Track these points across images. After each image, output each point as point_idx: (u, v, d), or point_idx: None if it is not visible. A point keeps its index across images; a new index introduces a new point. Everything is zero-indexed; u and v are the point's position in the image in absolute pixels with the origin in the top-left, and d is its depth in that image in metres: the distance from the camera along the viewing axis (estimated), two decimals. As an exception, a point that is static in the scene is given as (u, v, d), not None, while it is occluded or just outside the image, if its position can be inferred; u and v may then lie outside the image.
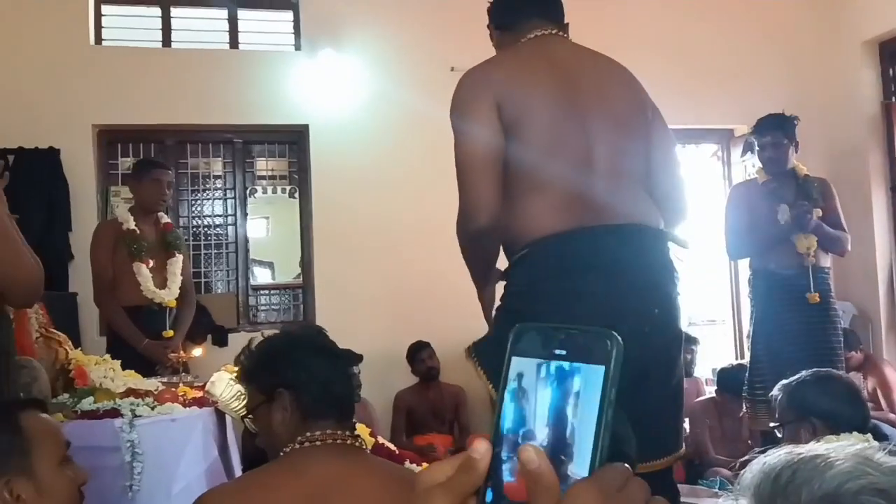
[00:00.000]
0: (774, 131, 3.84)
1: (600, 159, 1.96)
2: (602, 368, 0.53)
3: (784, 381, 2.27)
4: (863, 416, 2.00)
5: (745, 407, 4.05)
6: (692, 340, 5.22)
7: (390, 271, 5.21)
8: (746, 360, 5.13)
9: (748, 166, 5.51)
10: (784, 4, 5.67)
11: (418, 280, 5.12)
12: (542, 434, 0.54)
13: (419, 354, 5.05)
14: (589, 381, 0.53)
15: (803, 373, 2.22)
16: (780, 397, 2.22)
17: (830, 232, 3.79)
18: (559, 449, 0.53)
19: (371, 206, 5.21)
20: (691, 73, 5.51)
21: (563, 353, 0.54)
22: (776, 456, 0.57)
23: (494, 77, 2.00)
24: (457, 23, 5.37)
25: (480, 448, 0.52)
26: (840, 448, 0.56)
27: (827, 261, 3.86)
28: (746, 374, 4.06)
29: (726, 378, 4.82)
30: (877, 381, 4.87)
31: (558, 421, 0.53)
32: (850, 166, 4.97)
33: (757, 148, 3.95)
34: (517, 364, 0.56)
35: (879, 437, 4.77)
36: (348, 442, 1.60)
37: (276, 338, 1.70)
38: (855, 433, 1.91)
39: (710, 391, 5.20)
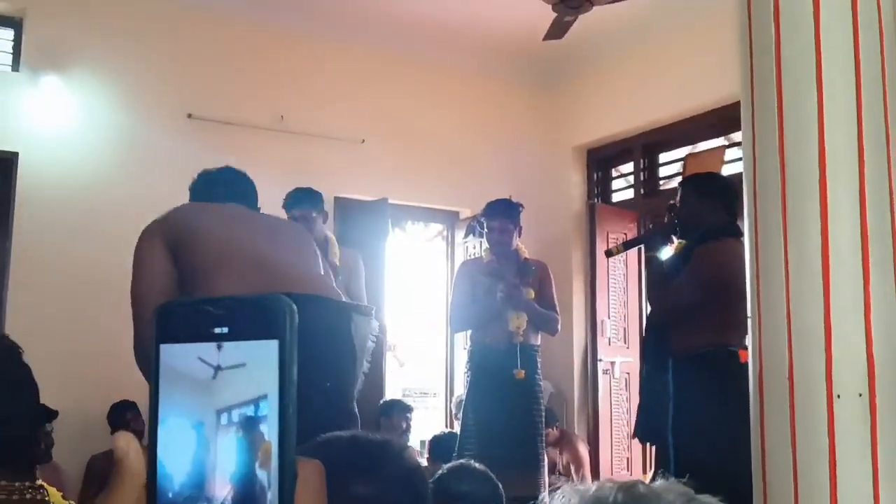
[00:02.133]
0: (502, 216, 4.14)
1: (275, 261, 2.25)
2: (275, 343, 0.45)
3: (430, 481, 2.44)
4: (497, 496, 2.23)
5: (453, 476, 4.19)
6: (407, 408, 5.34)
7: (94, 323, 4.76)
8: (457, 428, 5.36)
9: (469, 247, 5.88)
10: (508, 106, 6.22)
11: (126, 335, 4.71)
12: (222, 492, 0.45)
13: (124, 415, 4.64)
14: (265, 365, 0.45)
15: (442, 468, 2.44)
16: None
17: (541, 312, 4.11)
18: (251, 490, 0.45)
19: (79, 251, 4.75)
20: (425, 159, 5.82)
21: (225, 330, 0.46)
22: (596, 487, 0.58)
23: (165, 222, 2.30)
24: (196, 68, 5.23)
25: (121, 443, 0.46)
26: (661, 486, 0.58)
27: (537, 339, 4.18)
28: (456, 442, 4.22)
29: (438, 445, 4.97)
30: (570, 456, 5.29)
31: (244, 463, 0.45)
32: (556, 257, 5.47)
33: (485, 230, 4.23)
34: (168, 354, 0.47)
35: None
36: (27, 496, 1.24)
37: None
38: None
39: (421, 461, 5.32)
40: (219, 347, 0.46)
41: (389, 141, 5.74)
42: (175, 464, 0.46)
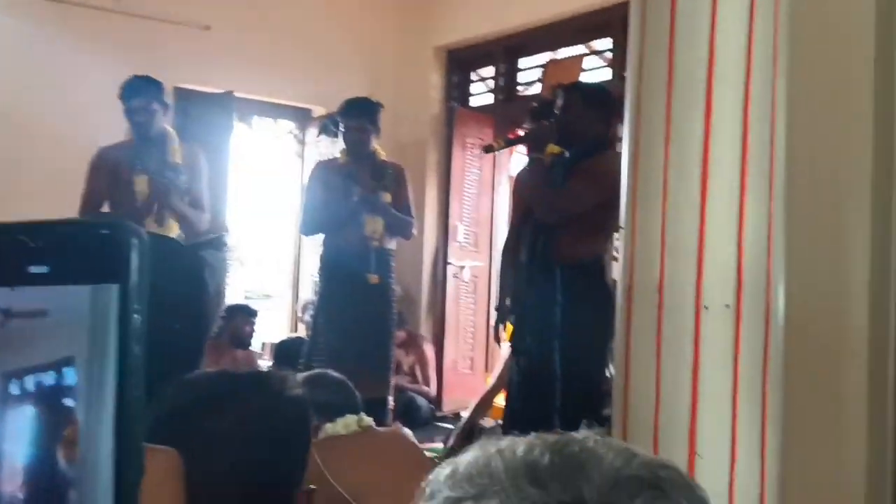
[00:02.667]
0: (361, 116, 3.97)
1: None
2: (115, 287, 0.33)
3: None
4: (354, 403, 2.24)
5: (300, 379, 4.12)
6: (252, 313, 5.21)
7: None
8: (302, 333, 5.27)
9: (321, 146, 5.66)
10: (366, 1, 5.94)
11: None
12: (10, 486, 0.33)
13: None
14: (74, 316, 0.33)
15: (299, 376, 2.41)
16: None
17: (397, 216, 4.03)
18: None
19: None
20: (276, 51, 5.48)
21: (45, 269, 0.34)
22: (523, 449, 0.47)
23: None
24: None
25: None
26: (597, 443, 0.49)
27: (392, 244, 4.11)
28: (306, 346, 4.14)
29: (285, 350, 4.88)
30: (416, 358, 5.37)
31: (40, 449, 0.33)
32: (411, 159, 5.35)
33: (342, 129, 4.04)
34: None
35: (413, 409, 5.27)
36: None
37: None
38: (348, 416, 2.12)
39: (264, 364, 5.22)
40: (12, 287, 0.34)
41: (237, 29, 5.35)
42: None
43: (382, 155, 4.12)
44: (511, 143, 3.46)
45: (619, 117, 3.08)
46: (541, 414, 3.08)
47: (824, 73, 2.06)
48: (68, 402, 0.32)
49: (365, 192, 3.94)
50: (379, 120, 4.03)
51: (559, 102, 3.22)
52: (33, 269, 0.33)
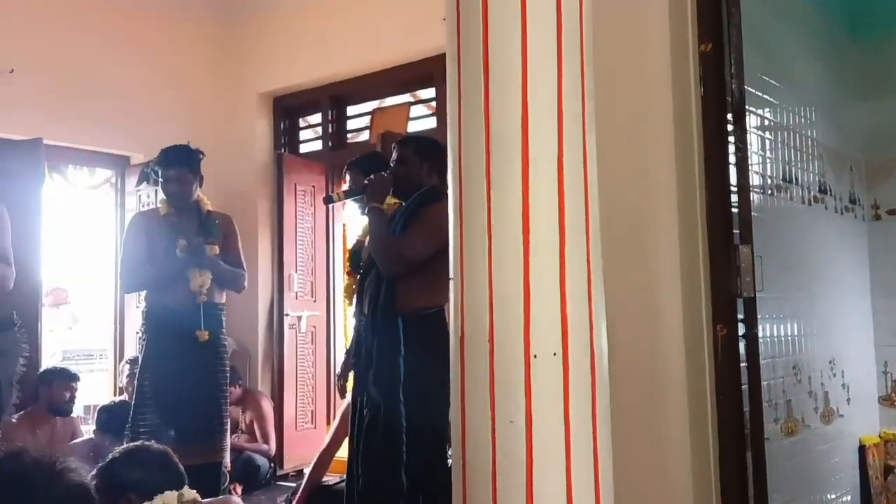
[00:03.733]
0: (179, 164, 3.79)
1: None
2: None
3: (98, 466, 2.25)
4: (176, 476, 2.14)
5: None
6: (72, 378, 4.82)
7: None
8: (126, 396, 4.94)
9: (143, 196, 5.39)
10: (186, 43, 5.75)
11: None
12: None
13: None
14: None
15: (114, 451, 2.26)
16: (94, 483, 2.17)
17: (227, 269, 3.86)
18: None
19: None
20: (89, 95, 5.19)
21: None
22: None
23: None
24: None
25: None
26: None
27: (222, 297, 3.93)
28: (130, 412, 3.86)
29: (107, 417, 4.54)
30: (254, 414, 5.15)
31: None
32: (240, 208, 5.18)
33: (160, 179, 3.85)
34: None
35: (252, 469, 5.05)
36: None
37: None
38: (167, 492, 2.02)
39: (87, 431, 4.85)
40: None
41: (45, 72, 5.02)
42: None
43: (208, 205, 3.96)
44: (351, 194, 3.42)
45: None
46: (385, 467, 3.00)
47: (628, 125, 2.17)
48: None
49: (190, 245, 3.75)
50: (200, 168, 3.87)
51: (394, 155, 3.23)
52: None
